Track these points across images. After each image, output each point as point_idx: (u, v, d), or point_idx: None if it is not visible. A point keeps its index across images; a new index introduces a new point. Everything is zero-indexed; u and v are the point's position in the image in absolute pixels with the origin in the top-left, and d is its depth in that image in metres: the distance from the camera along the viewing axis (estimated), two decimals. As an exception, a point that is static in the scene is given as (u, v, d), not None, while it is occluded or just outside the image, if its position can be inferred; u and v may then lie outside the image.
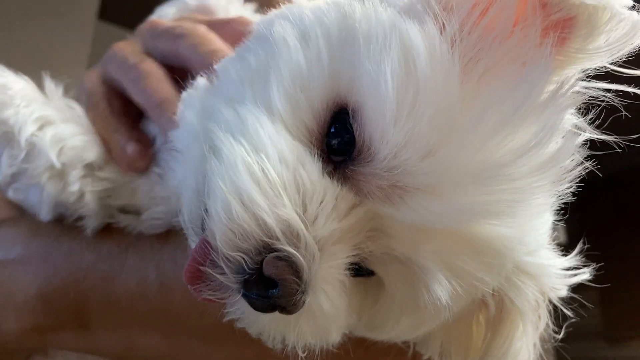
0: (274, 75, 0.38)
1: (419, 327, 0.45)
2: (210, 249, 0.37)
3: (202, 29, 0.54)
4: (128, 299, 0.54)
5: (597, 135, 0.39)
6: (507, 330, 0.46)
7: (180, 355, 0.56)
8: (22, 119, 0.52)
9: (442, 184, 0.35)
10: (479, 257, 0.38)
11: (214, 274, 0.37)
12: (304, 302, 0.36)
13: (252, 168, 0.36)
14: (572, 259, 0.46)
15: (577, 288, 0.47)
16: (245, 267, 0.36)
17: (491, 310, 0.47)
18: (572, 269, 0.46)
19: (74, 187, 0.52)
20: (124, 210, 0.56)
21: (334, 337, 0.42)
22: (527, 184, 0.35)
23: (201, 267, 0.37)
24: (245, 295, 0.37)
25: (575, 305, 0.48)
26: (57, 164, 0.51)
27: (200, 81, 0.45)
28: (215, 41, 0.53)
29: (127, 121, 0.55)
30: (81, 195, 0.53)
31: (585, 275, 0.46)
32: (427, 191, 0.36)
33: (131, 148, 0.52)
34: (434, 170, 0.35)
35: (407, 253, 0.39)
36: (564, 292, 0.47)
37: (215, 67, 0.44)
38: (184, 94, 0.46)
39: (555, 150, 0.35)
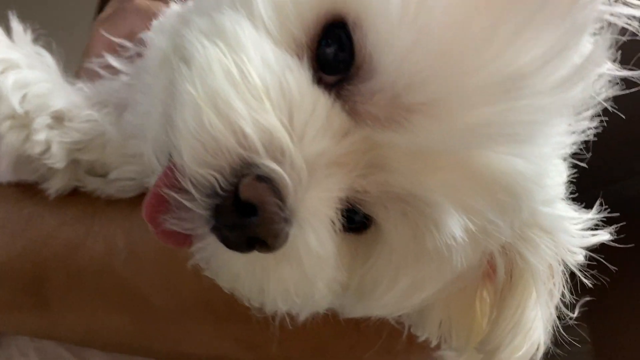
0: None
1: (418, 290, 0.39)
2: (176, 170, 0.32)
3: None
4: (92, 270, 0.48)
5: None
6: (518, 296, 0.41)
7: (149, 338, 0.50)
8: None
9: (453, 99, 0.30)
10: (491, 193, 0.33)
11: (179, 198, 0.31)
12: (287, 235, 0.31)
13: (229, 69, 0.31)
14: (591, 215, 0.41)
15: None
16: (218, 189, 0.30)
17: (499, 277, 0.41)
18: (590, 228, 0.41)
19: (40, 136, 0.47)
20: (92, 172, 0.51)
21: (321, 291, 0.36)
22: (549, 101, 0.31)
23: (164, 192, 0.32)
24: (215, 228, 0.31)
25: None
26: (20, 110, 0.46)
27: (174, 7, 0.41)
28: None
29: None
30: (47, 146, 0.47)
31: (605, 236, 0.41)
32: (435, 109, 0.31)
33: None
34: (444, 81, 0.30)
35: (411, 188, 0.33)
36: (581, 256, 0.41)
37: None
38: (154, 22, 0.41)
39: (581, 62, 0.31)
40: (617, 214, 0.41)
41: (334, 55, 0.34)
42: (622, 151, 2.59)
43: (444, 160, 0.33)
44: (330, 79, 0.34)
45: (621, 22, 0.34)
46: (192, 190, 0.31)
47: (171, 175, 0.32)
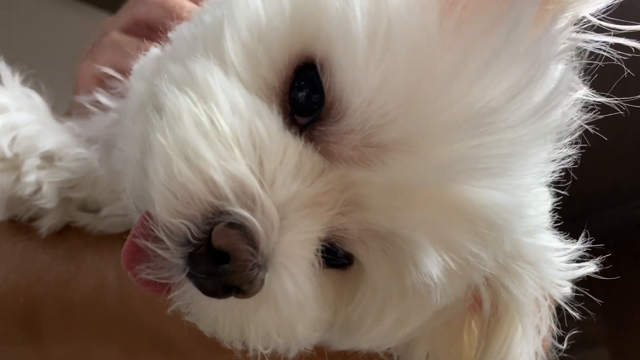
0: (229, 25, 0.34)
1: (403, 324, 0.39)
2: (150, 220, 0.32)
3: None
4: (84, 304, 0.49)
5: (594, 98, 0.35)
6: (504, 332, 0.40)
7: None
8: None
9: (424, 136, 0.31)
10: (471, 226, 0.33)
11: (154, 248, 0.31)
12: (262, 281, 0.31)
13: (198, 119, 0.31)
14: (577, 246, 0.40)
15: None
16: (190, 238, 0.30)
17: (485, 310, 0.41)
18: (575, 260, 0.40)
19: (30, 178, 0.47)
20: (83, 207, 0.51)
21: (302, 332, 0.36)
22: (522, 133, 0.31)
23: (139, 243, 0.32)
24: (191, 275, 0.31)
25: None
26: (9, 153, 0.47)
27: (153, 51, 0.41)
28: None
29: None
30: (38, 187, 0.48)
31: (591, 267, 0.41)
32: (407, 146, 0.31)
33: None
34: (413, 120, 0.30)
35: (389, 225, 0.33)
36: (567, 289, 0.41)
37: (170, 35, 0.41)
38: (135, 65, 0.42)
39: (551, 90, 0.31)
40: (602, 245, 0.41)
41: (306, 97, 0.34)
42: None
43: (420, 196, 0.33)
44: (303, 120, 0.34)
45: (592, 48, 0.34)
46: (166, 240, 0.31)
47: (146, 224, 0.32)
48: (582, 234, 0.41)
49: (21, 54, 0.52)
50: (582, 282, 0.41)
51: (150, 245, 0.31)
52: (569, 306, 0.41)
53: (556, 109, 0.32)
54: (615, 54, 0.34)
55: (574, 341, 0.42)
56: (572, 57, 0.33)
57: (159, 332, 0.49)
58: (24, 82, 0.52)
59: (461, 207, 0.33)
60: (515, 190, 0.34)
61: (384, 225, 0.34)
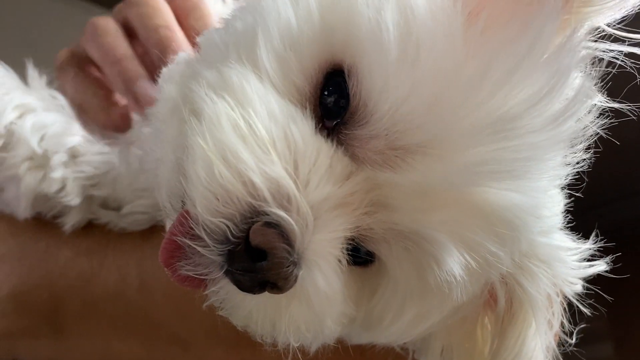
0: (262, 34, 0.35)
1: (422, 321, 0.40)
2: (189, 219, 0.33)
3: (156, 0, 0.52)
4: (106, 299, 0.50)
5: (609, 104, 0.37)
6: (518, 327, 0.42)
7: None
8: (1, 107, 0.49)
9: (447, 141, 0.32)
10: (490, 227, 0.35)
11: (194, 245, 0.33)
12: (296, 277, 0.32)
13: (237, 123, 0.32)
14: (588, 245, 0.42)
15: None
16: (229, 236, 0.32)
17: (500, 306, 0.42)
18: (587, 259, 0.42)
19: (56, 174, 0.49)
20: (105, 205, 0.53)
21: (330, 326, 0.38)
22: (541, 138, 0.32)
23: (179, 240, 0.33)
24: (228, 272, 0.33)
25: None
26: (39, 150, 0.49)
27: (182, 55, 0.43)
28: (164, 14, 0.51)
29: (105, 86, 0.53)
30: (63, 184, 0.50)
31: (601, 266, 0.42)
32: (430, 150, 0.32)
33: (114, 109, 0.50)
34: (437, 125, 0.32)
35: (413, 225, 0.35)
36: (579, 286, 0.43)
37: (198, 39, 0.42)
38: (164, 69, 0.43)
39: (570, 99, 0.33)
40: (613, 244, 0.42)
41: (334, 102, 0.35)
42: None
43: (443, 198, 0.34)
44: (331, 123, 0.36)
45: (609, 57, 0.35)
46: (206, 238, 0.32)
47: (185, 222, 0.33)
48: (593, 233, 0.43)
49: (49, 56, 0.53)
50: (590, 279, 0.43)
51: (189, 242, 0.33)
52: (579, 302, 0.42)
53: (574, 116, 0.33)
54: (629, 62, 0.35)
55: (582, 335, 0.44)
56: (589, 65, 0.35)
57: (178, 327, 0.50)
58: (50, 83, 0.53)
59: (482, 208, 0.34)
60: (532, 193, 0.35)
61: (408, 225, 0.35)
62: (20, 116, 0.50)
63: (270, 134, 0.33)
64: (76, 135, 0.51)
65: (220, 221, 0.32)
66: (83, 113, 0.54)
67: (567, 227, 0.43)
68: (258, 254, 0.32)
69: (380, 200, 0.35)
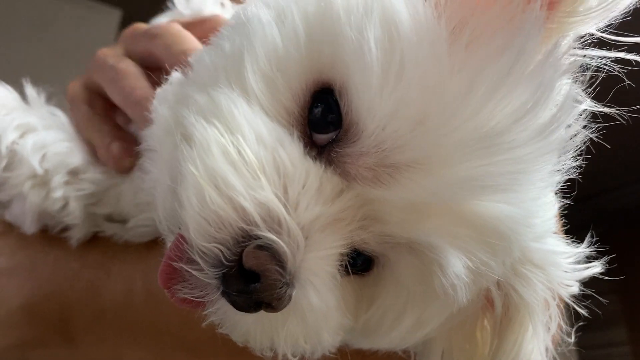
0: (249, 55, 0.36)
1: (422, 326, 0.41)
2: (184, 243, 0.34)
3: (176, 28, 0.52)
4: (114, 309, 0.52)
5: (598, 108, 0.37)
6: (515, 331, 0.42)
7: None
8: (2, 127, 0.50)
9: (435, 157, 0.33)
10: (481, 237, 0.35)
11: (190, 270, 0.34)
12: (290, 297, 0.33)
13: (226, 149, 0.33)
14: (583, 248, 0.42)
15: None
16: (223, 260, 0.33)
17: (497, 310, 0.43)
18: (582, 261, 0.42)
19: (57, 194, 0.50)
20: (110, 218, 0.54)
21: (327, 339, 0.39)
22: (527, 152, 0.33)
23: (175, 265, 0.34)
24: (225, 293, 0.34)
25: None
26: (40, 170, 0.50)
27: (175, 75, 0.43)
28: (189, 40, 0.51)
29: (111, 122, 0.53)
30: (65, 203, 0.51)
31: (597, 268, 0.43)
32: (419, 166, 0.33)
33: (116, 146, 0.50)
34: (425, 142, 0.32)
35: (406, 234, 0.36)
36: (575, 288, 0.43)
37: (190, 60, 0.43)
38: (158, 90, 0.44)
39: (555, 111, 0.33)
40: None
41: (323, 118, 0.36)
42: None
43: (434, 209, 0.35)
44: (321, 139, 0.36)
45: (596, 63, 0.35)
46: (200, 262, 0.33)
47: (180, 246, 0.35)
48: (587, 239, 0.43)
49: (46, 73, 0.54)
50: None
51: (185, 267, 0.34)
52: (586, 290, 0.43)
53: (561, 126, 0.33)
54: (616, 67, 0.35)
55: (592, 319, 0.44)
56: (575, 72, 0.35)
57: (183, 334, 0.51)
58: (49, 100, 0.54)
59: (472, 220, 0.35)
60: (522, 203, 0.36)
61: (404, 235, 0.36)
62: (22, 135, 0.51)
63: (260, 158, 0.34)
64: (78, 154, 0.52)
65: (214, 246, 0.33)
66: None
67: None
68: (252, 276, 0.33)
69: (372, 214, 0.36)
